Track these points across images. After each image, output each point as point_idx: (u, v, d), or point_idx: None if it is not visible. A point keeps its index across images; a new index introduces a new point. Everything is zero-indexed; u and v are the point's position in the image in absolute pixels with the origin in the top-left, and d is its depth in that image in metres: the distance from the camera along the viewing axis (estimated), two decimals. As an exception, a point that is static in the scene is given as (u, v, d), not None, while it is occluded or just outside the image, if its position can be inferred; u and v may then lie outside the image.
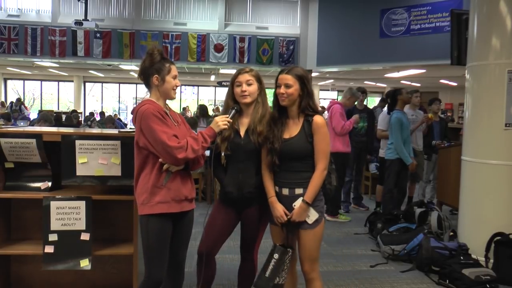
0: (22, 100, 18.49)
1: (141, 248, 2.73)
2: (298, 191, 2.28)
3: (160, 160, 2.16)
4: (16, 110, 12.77)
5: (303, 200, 2.24)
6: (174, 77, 2.28)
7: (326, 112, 6.59)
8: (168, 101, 2.36)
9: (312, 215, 2.27)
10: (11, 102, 14.06)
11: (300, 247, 2.34)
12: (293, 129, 2.31)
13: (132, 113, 2.29)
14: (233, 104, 2.42)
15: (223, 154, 2.39)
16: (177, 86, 2.31)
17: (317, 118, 2.28)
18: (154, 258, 2.22)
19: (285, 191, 2.31)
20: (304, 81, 2.29)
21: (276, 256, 2.27)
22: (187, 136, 2.23)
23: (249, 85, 2.39)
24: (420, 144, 5.77)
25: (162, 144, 2.09)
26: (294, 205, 2.26)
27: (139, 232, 2.67)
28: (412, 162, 5.06)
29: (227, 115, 2.33)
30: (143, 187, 2.19)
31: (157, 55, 2.25)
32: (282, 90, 2.28)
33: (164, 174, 2.18)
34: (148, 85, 2.29)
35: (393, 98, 5.32)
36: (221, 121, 2.27)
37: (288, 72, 2.30)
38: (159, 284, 2.26)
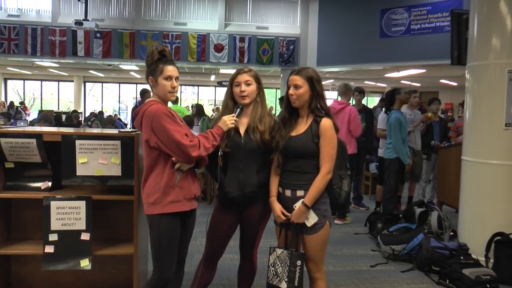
0: (22, 100, 18.53)
1: (141, 248, 2.74)
2: (299, 193, 2.27)
3: (172, 159, 2.18)
4: (19, 111, 12.83)
5: (302, 202, 2.23)
6: (167, 78, 2.23)
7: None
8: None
9: (312, 218, 2.25)
10: (8, 108, 14.09)
11: (304, 250, 2.33)
12: (300, 127, 2.31)
13: (135, 114, 2.29)
14: (232, 104, 2.44)
15: (220, 153, 2.39)
16: (173, 87, 2.27)
17: (325, 121, 2.26)
18: (165, 257, 2.24)
19: (288, 193, 2.31)
20: (314, 82, 2.27)
21: (299, 263, 2.25)
22: (198, 135, 2.27)
23: (248, 85, 2.39)
24: (419, 144, 5.77)
25: (176, 143, 2.11)
26: (295, 206, 2.26)
27: (140, 231, 2.67)
28: (409, 162, 5.08)
29: (233, 114, 2.36)
30: (154, 186, 2.20)
31: (155, 55, 2.24)
32: (291, 91, 2.28)
33: (176, 173, 2.20)
34: (150, 86, 2.31)
35: (391, 97, 5.32)
36: (229, 120, 2.31)
37: (298, 73, 2.30)
38: (169, 282, 2.29)
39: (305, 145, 2.25)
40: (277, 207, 2.32)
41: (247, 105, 2.41)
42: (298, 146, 2.26)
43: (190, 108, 18.89)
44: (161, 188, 2.19)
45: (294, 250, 2.29)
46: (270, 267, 2.36)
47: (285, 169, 2.32)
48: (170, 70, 2.24)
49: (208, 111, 16.11)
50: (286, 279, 2.26)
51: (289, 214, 2.28)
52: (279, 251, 2.33)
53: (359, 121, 5.18)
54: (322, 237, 2.30)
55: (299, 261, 2.26)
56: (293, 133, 2.30)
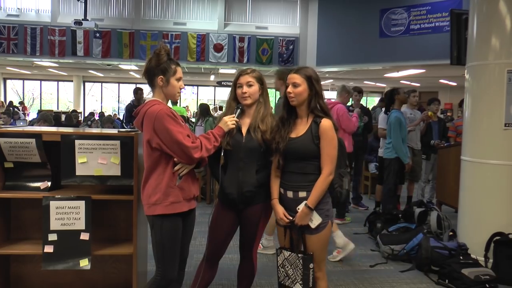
0: (22, 99, 18.50)
1: (141, 248, 2.74)
2: (302, 194, 2.27)
3: (175, 159, 2.18)
4: (16, 112, 12.81)
5: (305, 204, 2.23)
6: (179, 79, 2.29)
7: None
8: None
9: (316, 220, 2.24)
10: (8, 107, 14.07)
11: (306, 250, 2.32)
12: (300, 129, 2.30)
13: (135, 114, 2.28)
14: (235, 104, 2.45)
15: (221, 153, 2.39)
16: (181, 89, 2.32)
17: (325, 122, 2.24)
18: (168, 258, 2.25)
19: (290, 194, 2.30)
20: (312, 81, 2.26)
21: (311, 265, 2.26)
22: (199, 136, 2.28)
23: (249, 86, 2.40)
24: (419, 144, 5.78)
25: (179, 144, 2.12)
26: (298, 209, 2.25)
27: (139, 231, 2.67)
28: (408, 162, 5.08)
29: (233, 115, 2.38)
30: (155, 187, 2.20)
31: (164, 56, 2.24)
32: (290, 89, 2.27)
33: (177, 174, 2.21)
34: (152, 85, 2.28)
35: (390, 97, 5.33)
36: (230, 121, 2.33)
37: (297, 71, 2.30)
38: (172, 282, 2.30)
39: (306, 147, 2.24)
40: (280, 210, 2.32)
41: (249, 105, 2.42)
42: (299, 148, 2.25)
43: (189, 109, 18.94)
44: (162, 189, 2.19)
45: (304, 253, 2.29)
46: (280, 267, 2.37)
47: (286, 171, 2.32)
48: (181, 71, 2.31)
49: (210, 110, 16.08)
50: (300, 282, 2.28)
51: (291, 218, 2.28)
52: (286, 253, 2.33)
53: (348, 117, 5.14)
54: (325, 236, 2.30)
55: (311, 263, 2.27)
56: (293, 135, 2.29)
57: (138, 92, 7.15)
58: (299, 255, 2.28)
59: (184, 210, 2.27)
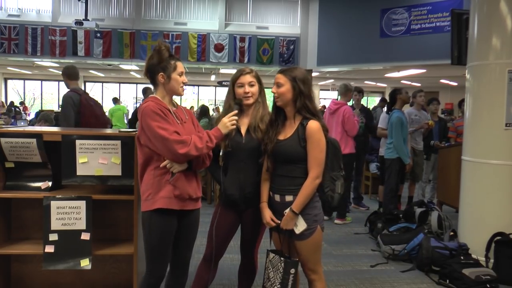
0: (22, 99, 18.51)
1: (141, 248, 2.74)
2: (288, 198, 2.23)
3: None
4: (19, 112, 12.83)
5: (290, 209, 2.19)
6: (181, 74, 2.26)
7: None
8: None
9: (300, 225, 2.19)
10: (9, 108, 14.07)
11: (297, 255, 2.29)
12: (288, 131, 2.26)
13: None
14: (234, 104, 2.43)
15: (221, 154, 2.39)
16: (184, 83, 2.29)
17: (312, 124, 2.19)
18: (156, 255, 2.22)
19: (277, 198, 2.27)
20: (297, 81, 2.21)
21: (292, 271, 2.23)
22: (193, 133, 2.21)
23: (251, 86, 2.40)
24: (421, 144, 5.77)
25: (161, 138, 2.06)
26: (285, 213, 2.22)
27: (139, 231, 2.67)
28: (409, 162, 5.08)
29: (232, 113, 2.31)
30: (147, 183, 2.19)
31: (165, 52, 2.22)
32: (274, 89, 2.26)
33: (170, 171, 2.17)
34: (155, 83, 2.26)
35: (392, 97, 5.32)
36: (229, 121, 2.25)
37: (282, 72, 2.28)
38: (161, 280, 2.28)
39: (293, 150, 2.20)
40: (267, 214, 2.29)
41: (250, 105, 2.42)
42: (286, 151, 2.21)
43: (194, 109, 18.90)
44: (153, 185, 2.16)
45: (288, 257, 2.26)
46: (265, 270, 2.35)
47: (275, 174, 2.28)
48: (181, 66, 2.29)
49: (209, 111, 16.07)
50: (278, 285, 2.24)
51: (279, 221, 2.25)
52: (271, 255, 2.31)
53: (354, 121, 5.14)
54: (314, 242, 2.24)
55: (293, 269, 2.22)
56: (281, 137, 2.26)
57: (147, 91, 7.25)
58: (282, 258, 2.25)
59: (174, 208, 2.19)
